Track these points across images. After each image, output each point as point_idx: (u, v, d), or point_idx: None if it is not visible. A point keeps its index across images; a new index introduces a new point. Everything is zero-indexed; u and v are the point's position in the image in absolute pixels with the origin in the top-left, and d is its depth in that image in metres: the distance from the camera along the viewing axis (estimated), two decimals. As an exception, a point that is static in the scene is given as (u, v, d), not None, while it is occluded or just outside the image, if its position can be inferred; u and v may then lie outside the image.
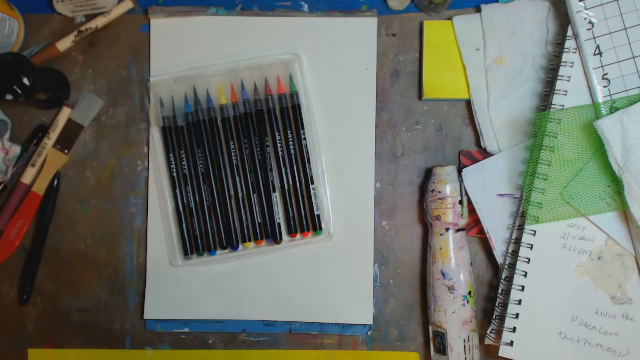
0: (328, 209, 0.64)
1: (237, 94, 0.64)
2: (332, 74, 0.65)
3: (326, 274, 0.64)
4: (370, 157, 0.64)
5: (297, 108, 0.63)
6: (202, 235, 0.64)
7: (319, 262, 0.64)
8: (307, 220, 0.63)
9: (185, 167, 0.64)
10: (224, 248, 0.64)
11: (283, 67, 0.64)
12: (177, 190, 0.64)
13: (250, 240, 0.64)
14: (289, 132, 0.63)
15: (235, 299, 0.65)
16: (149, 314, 0.65)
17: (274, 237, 0.64)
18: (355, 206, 0.64)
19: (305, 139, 0.63)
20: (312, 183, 0.63)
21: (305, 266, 0.64)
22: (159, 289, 0.65)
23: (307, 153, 0.63)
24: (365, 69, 0.64)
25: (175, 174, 0.64)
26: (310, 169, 0.63)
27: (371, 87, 0.64)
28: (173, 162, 0.64)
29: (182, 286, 0.65)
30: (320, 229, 0.63)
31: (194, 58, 0.65)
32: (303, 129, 0.63)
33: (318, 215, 0.63)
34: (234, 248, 0.64)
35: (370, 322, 0.64)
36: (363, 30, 0.64)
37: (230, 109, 0.64)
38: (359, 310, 0.64)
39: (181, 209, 0.64)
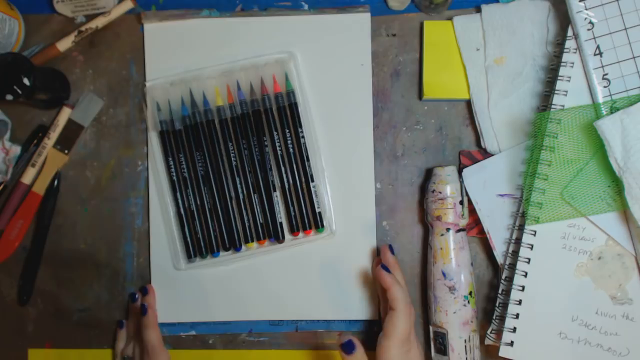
0: (329, 206, 0.64)
1: (234, 95, 0.64)
2: (328, 70, 0.64)
3: (330, 271, 0.64)
4: (369, 153, 0.64)
5: (293, 106, 0.63)
6: (205, 238, 0.64)
7: (322, 260, 0.64)
8: (308, 218, 0.63)
9: (185, 170, 0.64)
10: (226, 249, 0.64)
11: (278, 66, 0.64)
12: (178, 194, 0.64)
13: (252, 241, 0.64)
14: (287, 130, 0.63)
15: (241, 300, 0.65)
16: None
17: (276, 237, 0.64)
18: (356, 202, 0.64)
19: (303, 137, 0.63)
20: (312, 181, 0.63)
21: (309, 264, 0.64)
22: (164, 293, 0.65)
23: (306, 151, 0.63)
24: (360, 65, 0.64)
25: (175, 178, 0.64)
26: (310, 166, 0.63)
27: (367, 82, 0.64)
28: (172, 166, 0.64)
29: (187, 289, 0.65)
30: (322, 226, 0.63)
31: (188, 61, 0.65)
32: (301, 127, 0.63)
33: (319, 213, 0.63)
34: (237, 249, 0.64)
35: (377, 317, 0.64)
36: (356, 25, 0.64)
37: (227, 110, 0.64)
38: (365, 306, 0.64)
39: (182, 212, 0.64)
